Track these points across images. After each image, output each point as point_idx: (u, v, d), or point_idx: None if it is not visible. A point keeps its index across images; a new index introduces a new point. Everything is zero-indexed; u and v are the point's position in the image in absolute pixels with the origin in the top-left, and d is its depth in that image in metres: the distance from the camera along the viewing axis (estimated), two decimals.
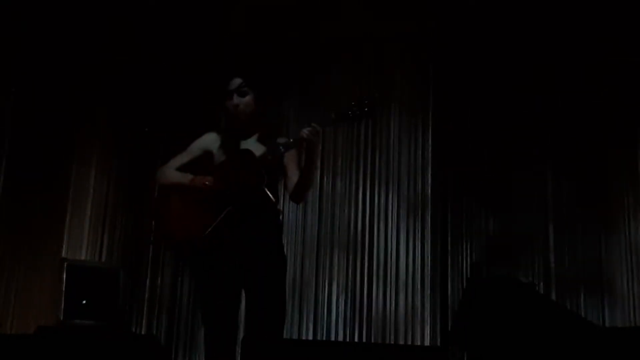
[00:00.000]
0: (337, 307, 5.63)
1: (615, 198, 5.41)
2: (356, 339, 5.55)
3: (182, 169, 3.16)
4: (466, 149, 5.71)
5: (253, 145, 3.13)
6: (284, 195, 3.35)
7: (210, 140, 3.20)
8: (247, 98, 3.14)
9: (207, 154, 3.18)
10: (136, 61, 5.61)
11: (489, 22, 5.36)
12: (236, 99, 3.13)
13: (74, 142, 5.42)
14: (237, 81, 3.15)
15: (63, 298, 4.52)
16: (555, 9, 5.17)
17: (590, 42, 5.38)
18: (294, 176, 3.14)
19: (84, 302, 4.61)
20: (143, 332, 5.47)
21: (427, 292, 5.59)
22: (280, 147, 3.02)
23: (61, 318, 4.48)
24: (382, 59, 5.90)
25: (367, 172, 5.87)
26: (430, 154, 5.84)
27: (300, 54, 5.87)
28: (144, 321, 5.51)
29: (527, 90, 5.64)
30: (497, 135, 5.68)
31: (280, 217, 3.16)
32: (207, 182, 3.00)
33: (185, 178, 3.08)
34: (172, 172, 3.15)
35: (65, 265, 4.61)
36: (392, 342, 5.49)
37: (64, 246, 5.25)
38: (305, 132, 2.97)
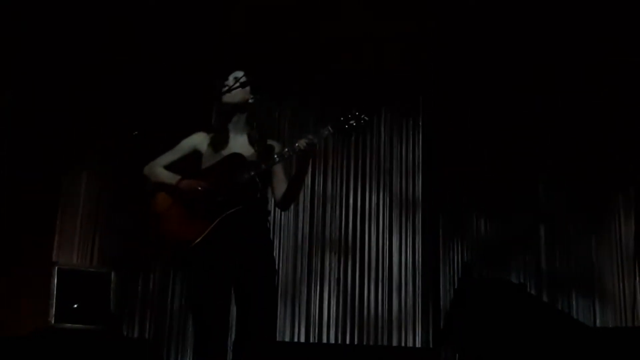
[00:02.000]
0: (329, 309, 5.62)
1: (607, 199, 5.43)
2: (348, 341, 5.55)
3: (169, 167, 3.15)
4: (464, 149, 5.72)
5: (243, 146, 3.13)
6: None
7: (199, 140, 3.19)
8: (244, 88, 3.13)
9: (195, 153, 3.18)
10: (136, 61, 5.59)
11: (489, 22, 5.36)
12: (232, 83, 3.12)
13: (64, 144, 5.40)
14: (237, 73, 3.15)
15: (54, 302, 4.50)
16: (555, 9, 5.16)
17: (590, 42, 5.38)
18: (281, 183, 3.13)
19: (76, 305, 4.60)
20: (135, 336, 5.45)
21: (419, 293, 5.60)
22: (275, 157, 3.02)
23: (52, 322, 4.46)
24: (382, 59, 5.90)
25: (358, 173, 5.88)
26: (421, 155, 5.85)
27: (300, 54, 5.85)
28: (135, 324, 5.49)
29: (526, 90, 5.65)
30: (494, 136, 5.70)
31: (269, 218, 3.16)
32: (200, 188, 2.98)
33: (173, 179, 3.07)
34: (161, 170, 3.14)
35: (56, 269, 4.59)
36: (385, 344, 5.50)
37: (54, 250, 5.23)
38: (302, 143, 2.96)
